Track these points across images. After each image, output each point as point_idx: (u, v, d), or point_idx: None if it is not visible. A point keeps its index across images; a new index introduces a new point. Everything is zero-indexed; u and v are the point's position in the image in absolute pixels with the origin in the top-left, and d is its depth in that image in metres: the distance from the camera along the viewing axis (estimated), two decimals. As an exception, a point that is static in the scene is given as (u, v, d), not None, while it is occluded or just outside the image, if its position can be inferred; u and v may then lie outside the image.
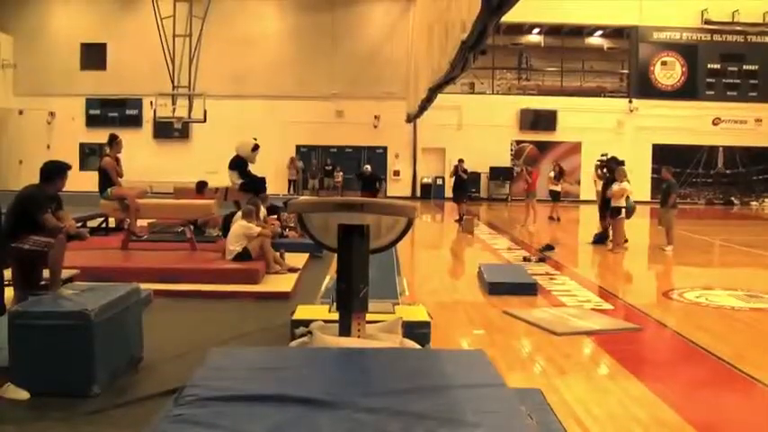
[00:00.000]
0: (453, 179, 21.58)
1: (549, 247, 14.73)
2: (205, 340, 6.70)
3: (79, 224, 14.82)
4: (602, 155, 17.57)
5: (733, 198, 33.09)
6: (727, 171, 33.22)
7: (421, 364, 4.50)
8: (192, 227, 11.79)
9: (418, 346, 6.49)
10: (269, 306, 8.60)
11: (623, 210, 14.70)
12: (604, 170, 16.47)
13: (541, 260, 13.26)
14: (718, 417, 5.49)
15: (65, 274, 7.72)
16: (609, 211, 15.47)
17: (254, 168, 14.06)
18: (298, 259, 11.22)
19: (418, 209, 5.71)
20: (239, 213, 10.98)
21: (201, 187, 14.79)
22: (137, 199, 11.37)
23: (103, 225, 14.97)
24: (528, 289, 9.91)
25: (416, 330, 6.77)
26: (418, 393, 3.91)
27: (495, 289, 9.82)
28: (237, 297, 8.95)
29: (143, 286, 8.88)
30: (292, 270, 10.40)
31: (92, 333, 5.22)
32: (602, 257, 14.58)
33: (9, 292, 6.90)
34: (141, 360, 6.17)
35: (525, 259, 13.35)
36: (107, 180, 11.43)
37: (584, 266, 13.85)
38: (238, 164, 13.12)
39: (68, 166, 7.58)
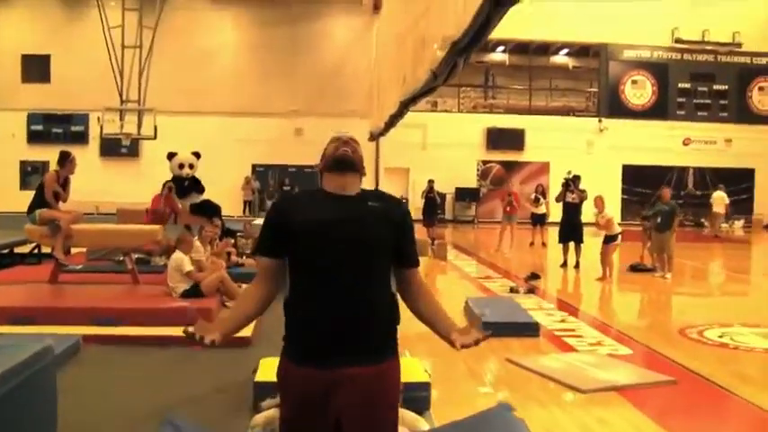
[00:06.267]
0: (423, 201, 20.25)
1: (535, 276, 13.40)
2: (143, 409, 5.25)
3: (5, 251, 13.19)
4: (568, 172, 16.31)
5: (703, 220, 32.15)
6: (698, 192, 32.27)
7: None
8: (134, 256, 10.22)
9: (417, 418, 5.07)
10: (225, 356, 7.04)
11: (618, 236, 13.51)
12: (570, 189, 15.32)
13: (530, 291, 11.90)
14: None
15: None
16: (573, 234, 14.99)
17: (207, 189, 12.68)
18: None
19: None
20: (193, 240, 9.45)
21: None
22: (71, 224, 9.73)
23: (36, 251, 13.33)
24: (529, 329, 8.49)
25: (414, 393, 5.31)
26: None
27: (489, 329, 8.34)
28: (186, 343, 7.37)
29: (72, 330, 7.35)
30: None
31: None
32: (594, 287, 13.26)
33: None
34: (52, 446, 4.63)
35: (512, 290, 11.95)
36: (41, 199, 9.83)
37: (579, 298, 12.45)
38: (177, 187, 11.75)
39: None
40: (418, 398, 5.34)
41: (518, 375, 6.81)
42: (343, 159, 3.14)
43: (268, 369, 5.46)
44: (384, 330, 3.06)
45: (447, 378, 6.57)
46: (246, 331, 7.68)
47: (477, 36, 7.79)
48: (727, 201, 26.29)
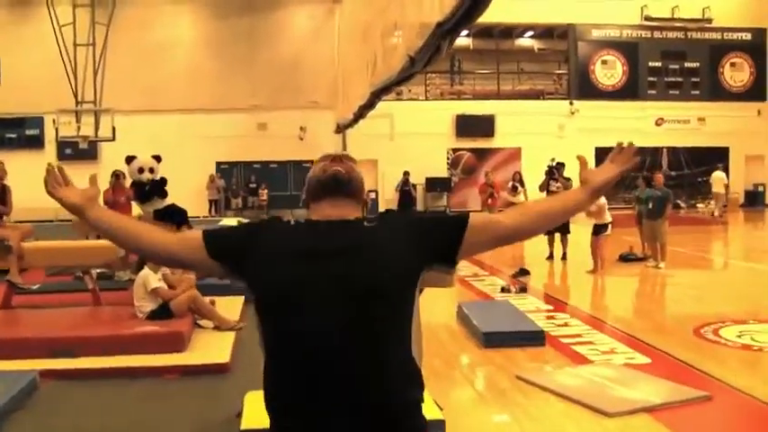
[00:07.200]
0: (398, 194, 19.46)
1: (524, 272, 12.71)
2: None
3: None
4: (551, 159, 15.74)
5: (679, 201, 31.67)
6: (672, 173, 31.64)
7: None
8: (95, 273, 9.31)
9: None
10: (200, 388, 6.25)
11: (609, 226, 12.82)
12: (554, 177, 14.74)
13: (523, 290, 11.15)
14: None
15: None
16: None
17: (171, 190, 11.78)
18: (228, 305, 8.82)
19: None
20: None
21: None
22: (20, 241, 8.81)
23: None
24: (534, 338, 7.73)
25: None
26: None
27: (491, 340, 7.64)
28: (155, 374, 6.53)
29: (27, 365, 6.54)
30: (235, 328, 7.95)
31: None
32: (586, 282, 12.55)
33: None
34: None
35: (504, 290, 11.18)
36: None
37: (574, 296, 11.64)
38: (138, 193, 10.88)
39: None
40: (432, 439, 4.55)
41: (533, 396, 6.03)
42: (334, 178, 2.23)
43: (255, 410, 4.63)
44: (406, 410, 2.13)
45: (454, 405, 5.80)
46: (224, 356, 6.91)
47: (467, 14, 7.00)
48: (726, 181, 26.07)
